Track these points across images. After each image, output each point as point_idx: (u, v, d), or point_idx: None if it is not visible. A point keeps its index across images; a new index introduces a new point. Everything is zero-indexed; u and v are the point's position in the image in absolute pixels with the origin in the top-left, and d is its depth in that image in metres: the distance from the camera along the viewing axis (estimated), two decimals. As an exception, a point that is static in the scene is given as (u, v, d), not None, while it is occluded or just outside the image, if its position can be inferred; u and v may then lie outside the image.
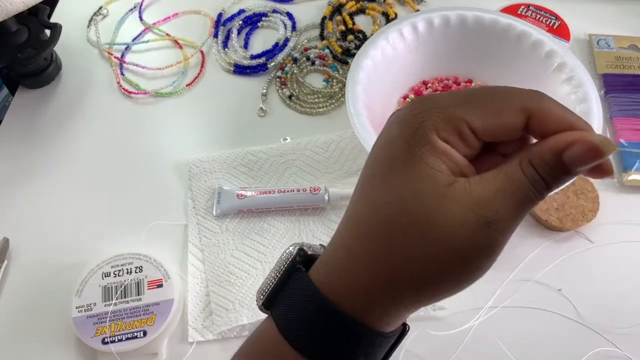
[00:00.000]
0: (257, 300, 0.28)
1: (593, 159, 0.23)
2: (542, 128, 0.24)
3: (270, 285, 0.28)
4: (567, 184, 0.24)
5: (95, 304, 0.47)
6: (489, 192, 0.23)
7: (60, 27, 0.61)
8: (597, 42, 0.63)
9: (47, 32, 0.61)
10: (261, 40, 0.67)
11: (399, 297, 0.25)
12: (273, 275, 0.28)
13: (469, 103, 0.24)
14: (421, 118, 0.24)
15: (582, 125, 0.24)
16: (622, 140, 0.55)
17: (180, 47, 0.67)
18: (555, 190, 0.25)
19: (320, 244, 0.29)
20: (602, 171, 0.23)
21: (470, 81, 0.59)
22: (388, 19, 0.67)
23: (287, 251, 0.28)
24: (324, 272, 0.26)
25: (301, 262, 0.27)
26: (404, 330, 0.28)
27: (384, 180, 0.25)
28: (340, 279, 0.25)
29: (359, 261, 0.25)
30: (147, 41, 0.68)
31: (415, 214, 0.23)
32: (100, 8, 0.71)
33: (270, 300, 0.28)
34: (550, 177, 0.23)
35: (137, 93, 0.63)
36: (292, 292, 0.27)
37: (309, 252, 0.28)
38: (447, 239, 0.23)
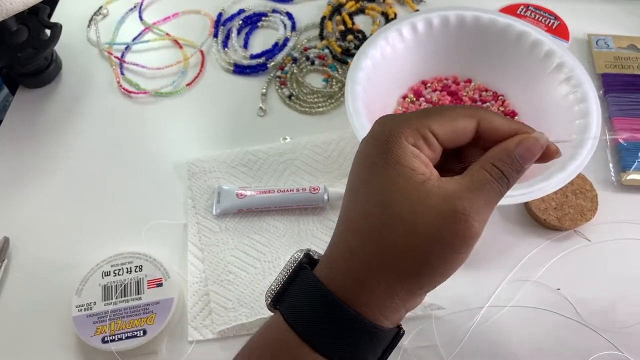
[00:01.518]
0: (266, 301, 0.31)
1: (535, 152, 0.28)
2: (491, 133, 0.29)
3: (279, 285, 0.30)
4: (517, 179, 0.29)
5: (95, 303, 0.47)
6: (460, 187, 0.27)
7: (61, 26, 0.61)
8: (596, 42, 0.63)
9: (47, 31, 0.61)
10: (261, 40, 0.67)
11: (392, 287, 0.28)
12: (281, 276, 0.31)
13: (430, 114, 0.29)
14: (391, 128, 0.28)
15: (524, 127, 0.29)
16: (620, 140, 0.55)
17: (180, 47, 0.67)
18: (510, 188, 0.29)
19: (317, 253, 0.32)
20: (548, 155, 0.29)
21: (469, 81, 0.59)
22: (387, 19, 0.67)
23: (294, 255, 0.31)
24: (326, 269, 0.29)
25: (307, 262, 0.30)
26: (398, 332, 0.30)
27: (367, 183, 0.28)
28: (340, 274, 0.28)
29: (356, 257, 0.28)
30: (147, 41, 0.68)
31: (400, 207, 0.27)
32: (100, 8, 0.71)
33: (279, 298, 0.30)
34: (509, 172, 0.28)
35: (137, 93, 0.63)
36: (299, 287, 0.30)
37: (315, 257, 0.31)
38: (427, 226, 0.27)
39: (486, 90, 0.58)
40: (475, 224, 0.27)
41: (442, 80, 0.59)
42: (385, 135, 0.28)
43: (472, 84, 0.59)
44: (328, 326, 0.28)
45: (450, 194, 0.27)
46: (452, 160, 0.32)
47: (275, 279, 0.31)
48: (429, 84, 0.59)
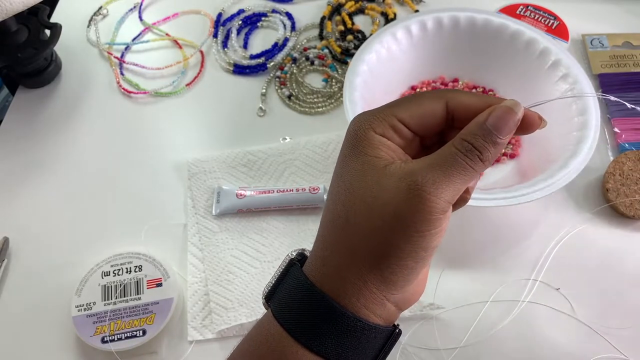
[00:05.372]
0: (262, 299, 0.31)
1: (509, 120, 0.27)
2: (463, 111, 0.29)
3: (272, 282, 0.31)
4: (499, 153, 0.28)
5: (94, 303, 0.47)
6: (420, 165, 0.27)
7: (60, 27, 0.61)
8: (591, 41, 0.63)
9: (47, 32, 0.61)
10: (260, 40, 0.67)
11: (363, 272, 0.28)
12: (275, 274, 0.31)
13: (396, 103, 0.29)
14: (360, 123, 0.29)
15: (497, 99, 0.28)
16: (620, 142, 0.55)
17: (180, 47, 0.67)
18: (490, 161, 0.28)
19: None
20: (530, 124, 0.28)
21: (471, 83, 0.59)
22: (387, 19, 0.67)
23: (289, 254, 0.31)
24: (309, 262, 0.30)
25: (298, 260, 0.31)
26: (393, 331, 0.30)
27: (338, 176, 0.30)
28: (318, 265, 0.29)
29: (328, 246, 0.29)
30: (147, 41, 0.68)
31: (361, 192, 0.28)
32: (100, 8, 0.71)
33: (271, 294, 0.31)
34: (480, 144, 0.27)
35: (137, 93, 0.63)
36: (287, 283, 0.30)
37: (307, 255, 0.31)
38: (385, 205, 0.27)
39: (475, 88, 0.58)
40: (431, 198, 0.26)
41: (444, 80, 0.59)
42: (355, 130, 0.29)
43: (460, 82, 0.59)
44: (308, 316, 0.28)
45: (407, 172, 0.27)
46: None
47: (271, 277, 0.31)
48: (432, 84, 0.59)
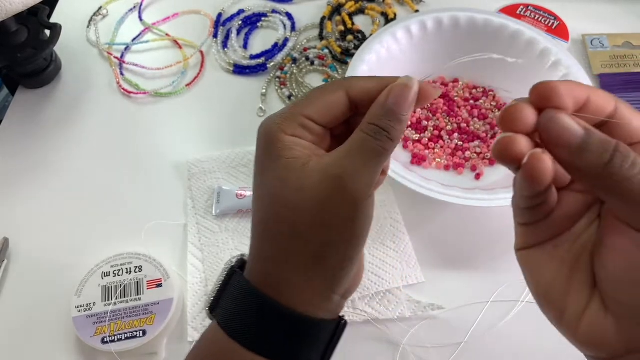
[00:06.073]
0: (206, 311, 0.31)
1: (406, 95, 0.28)
2: (365, 97, 0.29)
3: (214, 292, 0.31)
4: (404, 129, 0.29)
5: (94, 304, 0.47)
6: (336, 156, 0.28)
7: (60, 27, 0.61)
8: (591, 42, 0.63)
9: (47, 32, 0.61)
10: (260, 41, 0.67)
11: (307, 272, 0.28)
12: (216, 283, 0.32)
13: (300, 101, 0.30)
14: (269, 127, 0.29)
15: (392, 80, 0.29)
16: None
17: (180, 47, 0.67)
18: (398, 138, 0.29)
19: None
20: (426, 96, 0.29)
21: (471, 83, 0.59)
22: (387, 19, 0.67)
23: (228, 261, 0.32)
24: (250, 269, 0.30)
25: (239, 266, 0.31)
26: (339, 323, 0.31)
27: (259, 183, 0.30)
28: (257, 270, 0.29)
29: (263, 254, 0.29)
30: (147, 41, 0.68)
31: (285, 195, 0.28)
32: (100, 8, 0.71)
33: (215, 304, 0.31)
34: (386, 124, 0.28)
35: (137, 93, 0.63)
36: (231, 290, 0.30)
37: (246, 259, 0.31)
38: (312, 203, 0.27)
39: (475, 88, 0.58)
40: (353, 186, 0.27)
41: (435, 83, 0.59)
42: (266, 135, 0.29)
43: (460, 83, 0.59)
44: (255, 322, 0.28)
45: (325, 167, 0.28)
46: None
47: (212, 287, 0.32)
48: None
